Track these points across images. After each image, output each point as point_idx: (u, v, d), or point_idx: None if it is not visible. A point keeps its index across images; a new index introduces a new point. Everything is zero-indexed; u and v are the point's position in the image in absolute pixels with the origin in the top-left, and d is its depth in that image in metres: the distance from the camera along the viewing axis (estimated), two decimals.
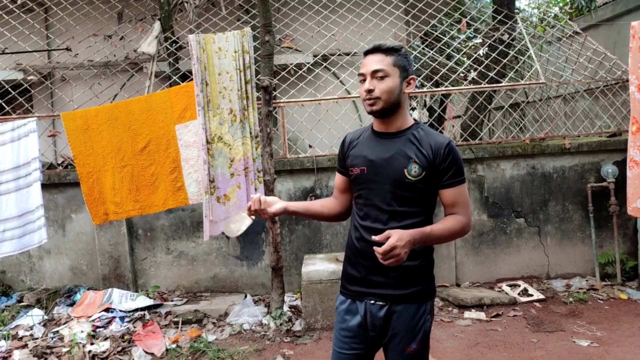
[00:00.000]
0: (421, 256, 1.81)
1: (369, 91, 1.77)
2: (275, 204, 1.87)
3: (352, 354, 1.89)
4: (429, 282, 1.85)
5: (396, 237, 1.61)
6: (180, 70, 5.43)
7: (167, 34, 5.43)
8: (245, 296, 4.59)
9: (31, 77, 5.72)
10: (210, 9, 5.83)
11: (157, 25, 5.20)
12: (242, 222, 1.94)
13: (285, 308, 4.25)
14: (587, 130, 5.37)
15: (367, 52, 1.81)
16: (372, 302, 1.82)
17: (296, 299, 4.55)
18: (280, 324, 4.02)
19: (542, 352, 3.47)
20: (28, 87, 5.32)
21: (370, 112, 1.81)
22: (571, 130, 5.46)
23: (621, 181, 4.07)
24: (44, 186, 3.97)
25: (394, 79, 1.77)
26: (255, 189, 4.03)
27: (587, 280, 4.80)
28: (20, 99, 4.99)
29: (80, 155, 3.82)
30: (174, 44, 5.52)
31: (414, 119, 1.88)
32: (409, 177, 1.75)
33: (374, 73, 1.76)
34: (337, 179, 2.01)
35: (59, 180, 4.69)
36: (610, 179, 4.73)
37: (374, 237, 1.64)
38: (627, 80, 3.42)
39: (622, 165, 4.62)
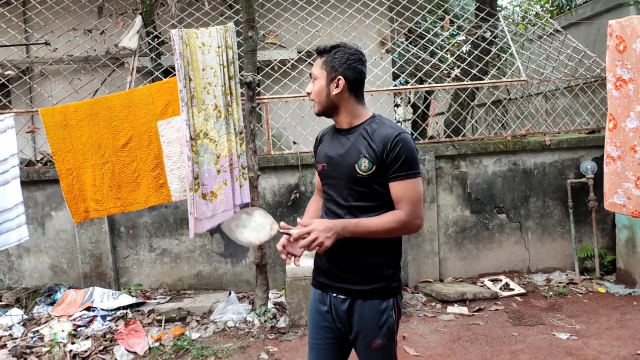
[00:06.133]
0: (383, 253, 1.81)
1: (308, 94, 1.86)
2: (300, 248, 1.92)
3: (325, 344, 1.93)
4: (393, 279, 1.84)
5: (317, 223, 1.69)
6: (163, 65, 5.36)
7: (149, 28, 5.36)
8: (230, 293, 4.57)
9: (9, 72, 5.59)
10: (193, 3, 5.76)
11: (138, 20, 5.12)
12: (263, 232, 1.76)
13: (270, 305, 4.25)
14: (567, 127, 5.46)
15: None
16: (335, 294, 1.86)
17: (281, 296, 4.55)
18: (265, 321, 4.01)
19: (522, 346, 3.53)
20: (6, 82, 5.19)
21: (315, 114, 1.90)
22: (551, 127, 5.55)
23: (600, 177, 4.14)
24: (23, 183, 3.89)
25: (320, 82, 1.80)
26: (240, 186, 4.01)
27: (566, 275, 4.90)
28: None
29: (59, 152, 3.74)
30: (156, 39, 5.45)
31: (373, 113, 1.86)
32: (360, 172, 1.75)
33: (310, 76, 1.84)
34: (316, 175, 2.04)
35: (37, 178, 4.60)
36: (589, 175, 4.82)
37: (297, 227, 1.71)
38: (606, 78, 3.48)
39: (600, 161, 4.69)
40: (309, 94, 1.85)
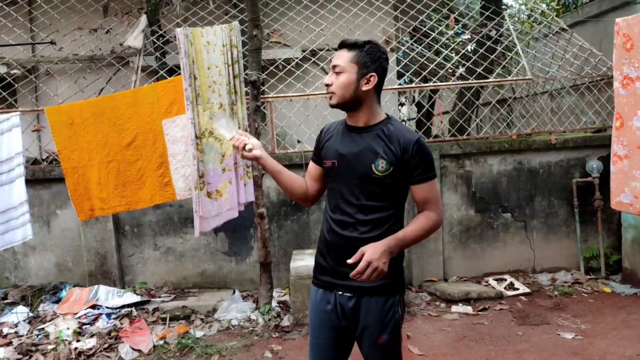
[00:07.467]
0: None
1: (327, 85, 1.82)
2: (255, 150, 1.87)
3: (328, 343, 1.95)
4: (397, 276, 1.86)
5: (370, 252, 1.65)
6: (168, 64, 5.38)
7: (154, 27, 5.37)
8: (234, 292, 4.58)
9: (15, 71, 5.62)
10: (198, 2, 5.77)
11: (143, 19, 5.14)
12: (229, 129, 1.98)
13: (274, 303, 4.25)
14: (572, 126, 5.43)
15: (338, 47, 1.84)
16: (341, 293, 1.86)
17: (285, 295, 4.55)
18: (269, 320, 4.02)
19: (527, 345, 3.52)
20: (12, 81, 5.22)
21: (330, 106, 1.85)
22: (557, 126, 5.52)
23: (606, 176, 4.12)
24: (28, 182, 3.91)
25: (349, 76, 1.77)
26: (245, 185, 4.01)
27: (572, 274, 4.87)
28: (4, 93, 4.91)
29: (64, 151, 3.76)
30: (160, 38, 5.46)
31: (386, 114, 1.87)
32: (376, 172, 1.76)
33: (333, 67, 1.81)
34: (310, 166, 2.02)
35: (43, 176, 4.62)
36: (595, 174, 4.80)
37: (349, 261, 1.67)
38: (612, 77, 3.46)
39: (606, 160, 4.67)
40: (327, 85, 1.82)
